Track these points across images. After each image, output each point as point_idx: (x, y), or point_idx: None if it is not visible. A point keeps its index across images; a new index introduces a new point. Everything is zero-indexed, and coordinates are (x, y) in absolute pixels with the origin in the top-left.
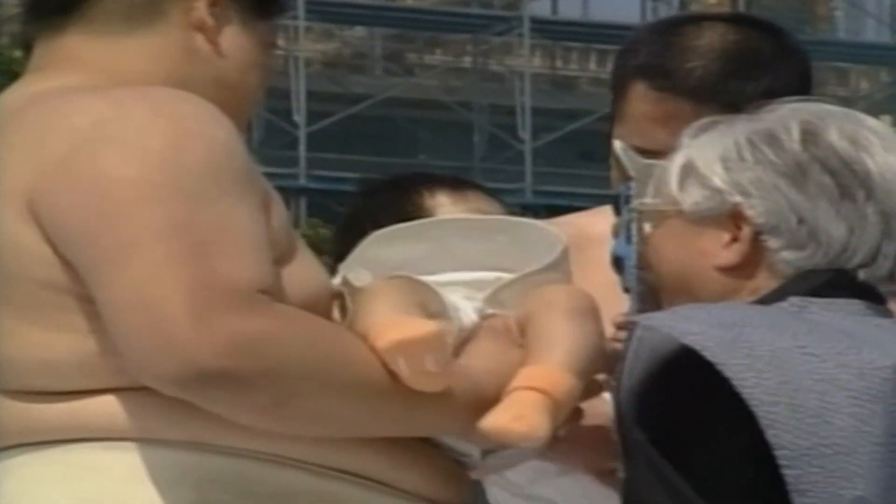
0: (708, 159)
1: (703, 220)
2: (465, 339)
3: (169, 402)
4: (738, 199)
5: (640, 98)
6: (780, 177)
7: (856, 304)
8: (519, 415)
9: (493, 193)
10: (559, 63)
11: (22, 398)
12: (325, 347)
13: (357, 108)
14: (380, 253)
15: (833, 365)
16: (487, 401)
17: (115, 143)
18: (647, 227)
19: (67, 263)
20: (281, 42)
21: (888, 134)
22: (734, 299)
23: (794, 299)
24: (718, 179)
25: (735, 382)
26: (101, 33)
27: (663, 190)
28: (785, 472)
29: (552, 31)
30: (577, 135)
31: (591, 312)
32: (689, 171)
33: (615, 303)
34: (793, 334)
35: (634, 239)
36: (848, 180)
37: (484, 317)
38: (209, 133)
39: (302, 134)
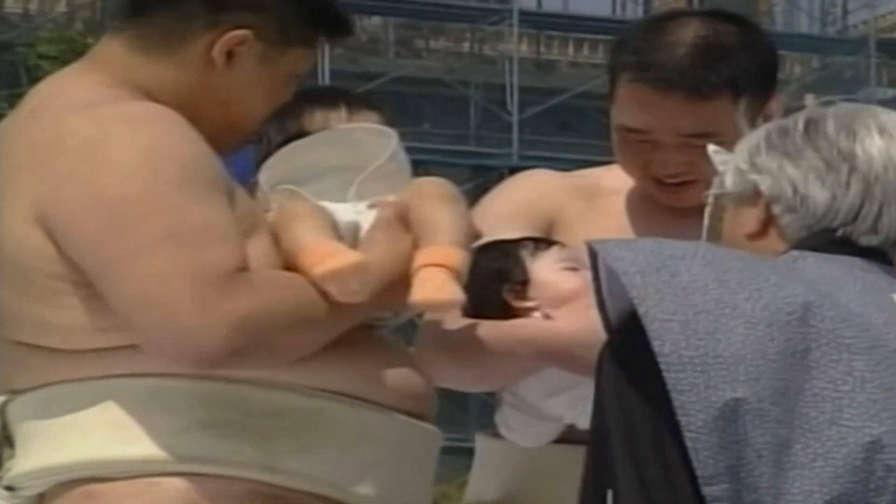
0: (742, 152)
1: (740, 199)
2: (361, 234)
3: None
4: (755, 177)
5: (625, 87)
6: (784, 157)
7: (845, 259)
8: (437, 287)
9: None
10: (543, 48)
11: (39, 352)
12: (290, 298)
13: (372, 85)
14: (279, 168)
15: (744, 297)
16: (395, 281)
17: (104, 166)
18: (720, 216)
19: (67, 260)
20: None
21: (890, 122)
22: None
23: (794, 252)
24: (745, 165)
25: (636, 302)
26: (139, 48)
27: (723, 183)
28: (665, 374)
29: (537, 21)
30: (556, 109)
31: (458, 197)
32: (726, 164)
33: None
34: (722, 270)
35: (706, 222)
36: (833, 157)
37: (372, 206)
38: (179, 150)
39: None
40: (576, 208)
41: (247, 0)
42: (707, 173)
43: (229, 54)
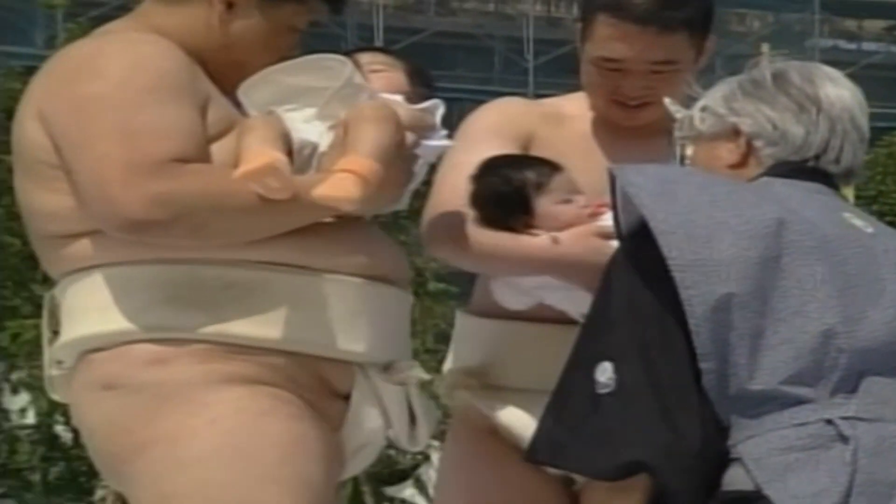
0: (715, 99)
1: (716, 137)
2: (317, 149)
3: (136, 238)
4: (734, 119)
5: (603, 24)
6: (759, 102)
7: (809, 185)
8: (334, 185)
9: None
10: (552, 9)
11: (54, 242)
12: (215, 187)
13: (416, 38)
14: (254, 94)
15: (731, 214)
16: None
17: (89, 72)
18: (689, 150)
19: (57, 150)
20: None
21: (835, 75)
22: None
23: (765, 178)
24: (722, 109)
25: (647, 217)
26: (158, 1)
27: (692, 125)
28: (675, 273)
29: None
30: (564, 57)
31: (390, 118)
32: (704, 110)
33: (585, 157)
34: (713, 193)
35: (678, 156)
36: (803, 101)
37: (331, 127)
38: (156, 64)
39: None
40: (545, 131)
41: None
42: (660, 97)
43: (229, 4)
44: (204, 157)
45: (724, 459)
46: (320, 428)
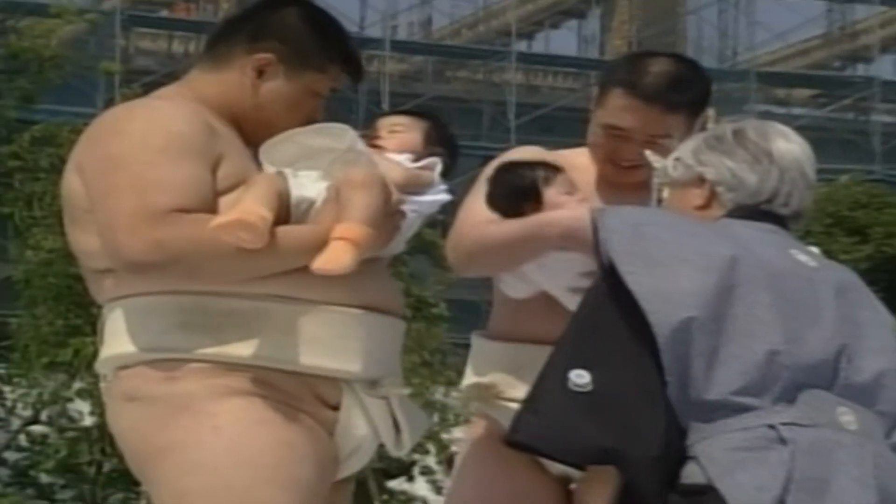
0: (686, 152)
1: (686, 183)
2: (314, 207)
3: (143, 274)
4: (700, 168)
5: (617, 96)
6: (721, 154)
7: (763, 225)
8: (329, 258)
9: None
10: (531, 77)
11: (94, 275)
12: (206, 234)
13: (417, 102)
14: (275, 153)
15: (692, 251)
16: (312, 245)
17: (115, 133)
18: (665, 193)
19: (89, 197)
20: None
21: (787, 131)
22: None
23: (725, 220)
24: (691, 160)
25: (614, 259)
26: (205, 68)
27: (667, 173)
28: (639, 301)
29: (527, 59)
30: (540, 118)
31: (377, 184)
32: (677, 160)
33: (587, 200)
34: (679, 233)
35: (656, 198)
36: (758, 153)
37: (328, 189)
38: (171, 127)
39: None
40: None
41: (272, 35)
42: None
43: (260, 72)
44: (208, 208)
45: (682, 457)
46: (311, 434)
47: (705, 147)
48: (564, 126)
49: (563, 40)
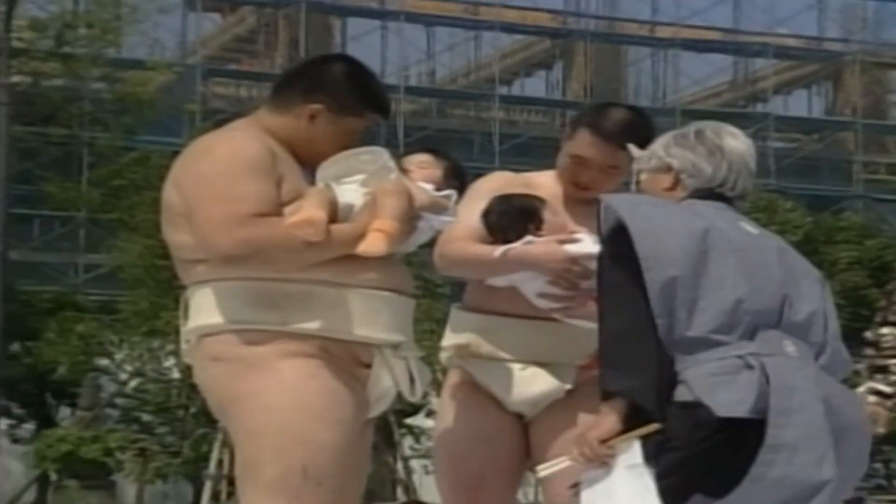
0: (658, 146)
1: (657, 170)
2: (355, 210)
3: (229, 264)
4: (668, 159)
5: (584, 135)
6: (685, 149)
7: (717, 204)
8: (370, 243)
9: (444, 157)
10: (511, 114)
11: (183, 264)
12: (279, 233)
13: (422, 134)
14: (326, 171)
15: (677, 223)
16: (355, 236)
17: (203, 156)
18: (642, 177)
19: (185, 205)
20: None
21: (737, 132)
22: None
23: (688, 200)
24: (662, 153)
25: (627, 222)
26: (271, 109)
27: (642, 166)
28: (641, 261)
29: (508, 99)
30: (518, 145)
31: (404, 192)
32: (650, 154)
33: (550, 212)
34: (665, 211)
35: (634, 181)
36: (713, 148)
37: (365, 196)
38: (246, 152)
39: None
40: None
41: (322, 89)
42: (599, 186)
43: (312, 117)
44: (276, 214)
45: (673, 381)
46: (350, 385)
47: (673, 143)
48: (537, 151)
49: (534, 85)
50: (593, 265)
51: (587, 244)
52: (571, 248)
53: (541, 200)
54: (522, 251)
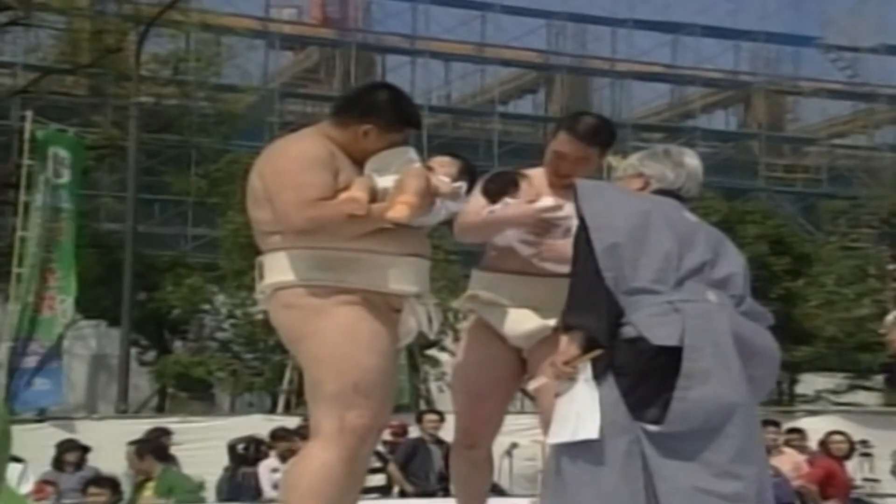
0: (635, 158)
1: (632, 176)
2: (388, 191)
3: (300, 235)
4: (642, 168)
5: (563, 135)
6: (655, 161)
7: (671, 200)
8: (396, 211)
9: (459, 159)
10: (509, 128)
11: (261, 235)
12: (336, 211)
13: (439, 141)
14: (370, 165)
15: (627, 206)
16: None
17: (279, 154)
18: (619, 181)
19: (266, 191)
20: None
21: (692, 153)
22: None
23: (651, 196)
24: (637, 163)
25: (581, 208)
26: (332, 124)
27: (619, 174)
28: (590, 231)
29: (506, 116)
30: (513, 150)
31: (423, 176)
32: (627, 165)
33: (539, 195)
34: (620, 195)
35: (613, 180)
36: (676, 162)
37: (395, 181)
38: (312, 152)
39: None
40: (520, 183)
41: (372, 113)
42: (575, 175)
43: (365, 133)
44: (334, 198)
45: (619, 322)
46: (387, 325)
47: (646, 157)
48: (526, 154)
49: (524, 105)
50: (557, 220)
51: (547, 201)
52: (536, 206)
53: (522, 175)
54: (501, 211)
